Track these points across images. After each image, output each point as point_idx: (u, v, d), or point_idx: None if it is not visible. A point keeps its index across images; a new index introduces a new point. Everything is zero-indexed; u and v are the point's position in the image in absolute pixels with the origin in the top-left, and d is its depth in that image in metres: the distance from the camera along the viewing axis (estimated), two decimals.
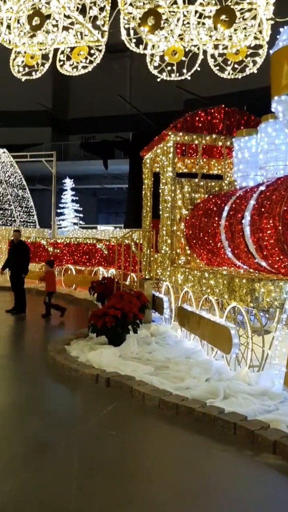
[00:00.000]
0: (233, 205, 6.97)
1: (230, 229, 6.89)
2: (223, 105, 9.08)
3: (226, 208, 7.14)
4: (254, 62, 5.60)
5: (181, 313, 7.70)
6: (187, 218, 8.82)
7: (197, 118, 8.96)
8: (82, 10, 5.22)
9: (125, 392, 5.04)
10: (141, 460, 3.66)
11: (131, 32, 5.26)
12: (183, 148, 10.29)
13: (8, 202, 22.56)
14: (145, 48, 5.31)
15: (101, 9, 5.38)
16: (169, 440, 4.01)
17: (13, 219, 22.39)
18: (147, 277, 10.29)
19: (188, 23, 5.11)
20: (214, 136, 8.90)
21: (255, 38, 5.20)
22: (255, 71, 5.68)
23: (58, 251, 16.56)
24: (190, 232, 8.58)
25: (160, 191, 9.40)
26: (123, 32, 5.27)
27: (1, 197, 22.39)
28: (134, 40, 5.26)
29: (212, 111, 9.04)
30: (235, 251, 6.89)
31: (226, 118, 9.09)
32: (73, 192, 32.56)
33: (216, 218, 7.37)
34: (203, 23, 5.05)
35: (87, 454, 3.68)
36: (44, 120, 41.08)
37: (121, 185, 38.27)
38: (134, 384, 5.08)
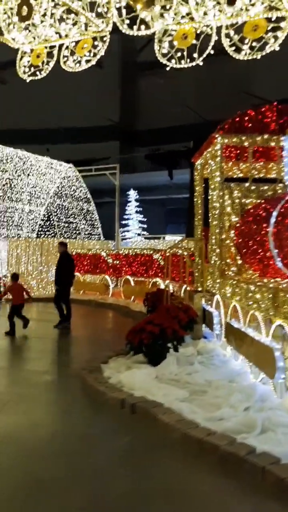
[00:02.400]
0: (282, 210, 6.25)
1: (278, 236, 6.19)
2: (275, 103, 8.35)
3: (275, 213, 6.43)
4: (276, 38, 4.90)
5: (228, 329, 7.06)
6: (237, 225, 8.16)
7: (246, 118, 8.31)
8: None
9: (149, 421, 4.54)
10: (148, 501, 3.16)
11: (123, 12, 4.83)
12: (238, 151, 9.65)
13: (73, 216, 22.97)
14: (138, 29, 4.87)
15: None
16: (185, 482, 3.46)
17: (78, 232, 22.74)
18: (199, 289, 9.70)
19: None
20: (265, 136, 8.18)
21: (276, 9, 4.53)
22: (277, 48, 4.97)
23: (118, 262, 16.42)
24: (240, 240, 7.91)
25: (209, 197, 8.84)
26: (115, 13, 4.84)
27: (67, 211, 22.85)
28: (127, 22, 4.83)
29: (263, 109, 8.34)
30: (284, 260, 6.17)
31: (279, 116, 8.35)
32: (137, 204, 32.67)
33: (265, 225, 6.68)
34: None
35: (89, 493, 3.25)
36: (112, 134, 41.89)
37: (187, 194, 37.83)
38: (160, 412, 4.57)
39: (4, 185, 19.94)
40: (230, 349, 7.09)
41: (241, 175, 10.14)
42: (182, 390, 5.37)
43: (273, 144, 8.26)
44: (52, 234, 21.72)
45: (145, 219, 32.33)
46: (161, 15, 4.63)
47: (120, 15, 4.69)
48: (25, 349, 8.59)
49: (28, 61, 5.68)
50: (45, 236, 21.11)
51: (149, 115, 42.59)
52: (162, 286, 13.71)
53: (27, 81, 5.73)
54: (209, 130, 8.61)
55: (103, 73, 41.13)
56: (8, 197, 20.40)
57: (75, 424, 4.65)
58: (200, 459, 3.79)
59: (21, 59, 5.77)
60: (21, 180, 20.74)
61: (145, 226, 32.17)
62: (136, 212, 32.27)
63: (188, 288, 10.66)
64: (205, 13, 4.53)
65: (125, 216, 31.99)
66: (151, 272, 14.75)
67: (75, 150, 37.50)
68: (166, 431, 4.27)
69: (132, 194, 32.66)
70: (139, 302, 13.94)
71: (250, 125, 8.29)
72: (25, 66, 5.74)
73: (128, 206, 32.81)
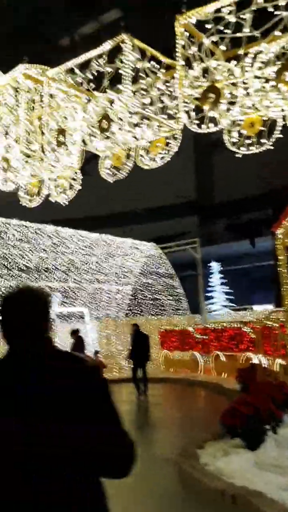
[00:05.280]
0: None
1: None
2: None
3: None
4: None
5: None
6: None
7: None
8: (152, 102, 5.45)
9: None
10: None
11: (192, 113, 5.22)
12: None
13: (158, 292, 23.39)
14: (207, 127, 5.19)
15: (174, 98, 5.52)
16: None
17: (163, 308, 22.98)
18: None
19: (260, 90, 4.84)
20: None
21: None
22: None
23: (206, 337, 16.19)
24: None
25: None
26: (184, 116, 5.25)
27: (152, 288, 23.36)
28: (196, 122, 5.20)
29: None
30: None
31: None
32: (221, 275, 32.51)
33: None
34: (263, 87, 4.73)
35: None
36: (190, 209, 43.05)
37: (272, 261, 36.96)
38: (262, 503, 4.28)
39: (93, 269, 21.06)
40: None
41: None
42: (285, 477, 5.00)
43: None
44: (139, 312, 22.14)
45: (231, 290, 31.93)
46: (228, 110, 5.01)
47: (189, 116, 5.15)
48: None
49: (109, 164, 6.32)
50: (133, 315, 21.57)
51: (225, 187, 43.44)
52: (255, 361, 13.18)
53: (111, 181, 6.34)
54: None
55: (177, 153, 43.39)
56: (96, 279, 21.43)
57: None
58: None
59: (103, 162, 6.44)
60: (107, 262, 21.80)
61: (231, 297, 31.72)
62: (221, 284, 32.09)
63: (282, 362, 10.19)
64: (270, 102, 4.82)
65: (209, 289, 31.89)
66: (241, 346, 14.32)
67: (156, 228, 38.88)
68: None
69: (215, 266, 32.76)
70: (232, 379, 13.44)
71: None
72: (106, 168, 6.38)
73: (211, 278, 32.82)
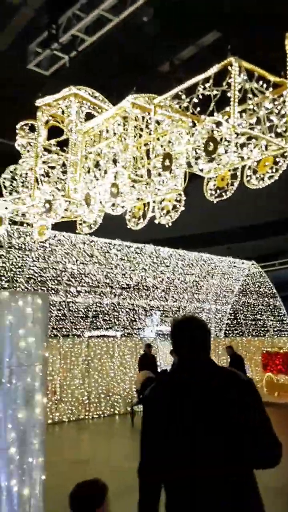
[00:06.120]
0: None
1: None
2: None
3: None
4: None
5: None
6: None
7: None
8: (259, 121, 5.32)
9: None
10: None
11: None
12: None
13: (260, 312, 22.65)
14: None
15: (282, 116, 5.33)
16: None
17: (266, 329, 22.16)
18: None
19: None
20: None
21: None
22: None
23: None
24: None
25: None
26: None
27: (253, 308, 22.70)
28: None
29: None
30: None
31: None
32: None
33: None
34: None
35: None
36: None
37: None
38: None
39: (191, 287, 21.05)
40: None
41: None
42: None
43: None
44: (240, 333, 21.59)
45: None
46: None
47: None
48: None
49: (214, 185, 6.31)
50: (233, 335, 21.08)
51: None
52: None
53: (215, 202, 6.33)
54: None
55: None
56: (195, 298, 21.37)
57: None
58: None
59: (207, 183, 6.46)
60: (206, 281, 21.64)
61: None
62: None
63: None
64: None
65: None
66: None
67: (255, 247, 37.78)
68: None
69: None
70: None
71: None
72: (211, 189, 6.38)
73: None
